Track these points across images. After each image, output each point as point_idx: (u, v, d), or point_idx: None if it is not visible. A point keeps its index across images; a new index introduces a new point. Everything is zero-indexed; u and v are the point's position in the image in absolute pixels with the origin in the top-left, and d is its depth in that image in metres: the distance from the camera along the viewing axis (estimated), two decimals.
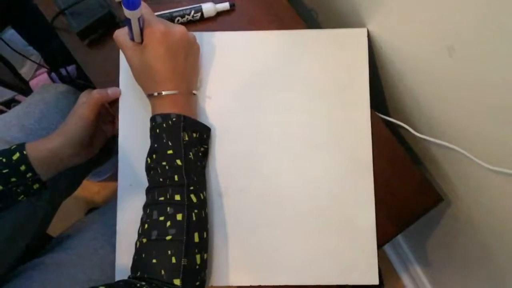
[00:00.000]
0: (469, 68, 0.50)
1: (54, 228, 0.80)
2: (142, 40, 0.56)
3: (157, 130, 0.56)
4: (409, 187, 0.65)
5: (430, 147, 0.70)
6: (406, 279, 1.20)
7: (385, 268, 1.23)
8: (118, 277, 0.62)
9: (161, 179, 0.54)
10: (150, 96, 0.58)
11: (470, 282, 0.82)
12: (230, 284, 0.61)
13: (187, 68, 0.60)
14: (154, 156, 0.55)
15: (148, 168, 0.56)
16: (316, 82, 0.65)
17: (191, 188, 0.54)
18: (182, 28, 0.58)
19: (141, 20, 0.54)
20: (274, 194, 0.63)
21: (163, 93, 0.57)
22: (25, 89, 1.05)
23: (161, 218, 0.52)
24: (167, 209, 0.52)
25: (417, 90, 0.64)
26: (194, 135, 0.58)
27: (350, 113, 0.64)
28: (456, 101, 0.56)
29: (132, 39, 0.57)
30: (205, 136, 0.60)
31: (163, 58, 0.56)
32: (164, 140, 0.55)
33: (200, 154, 0.59)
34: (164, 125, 0.56)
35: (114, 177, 1.27)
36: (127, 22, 0.53)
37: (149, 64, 0.56)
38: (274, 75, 0.65)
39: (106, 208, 0.78)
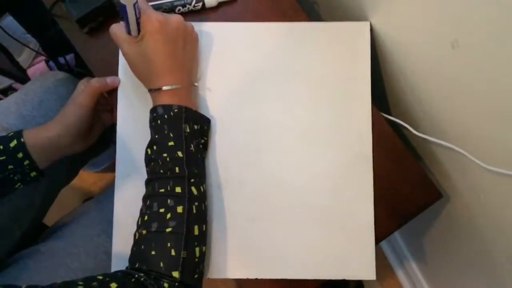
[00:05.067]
0: (472, 65, 0.49)
1: (50, 218, 0.80)
2: (139, 32, 0.55)
3: (158, 121, 0.55)
4: (408, 182, 0.65)
5: (430, 145, 0.70)
6: (401, 275, 1.21)
7: (380, 263, 1.23)
8: (114, 268, 0.61)
9: (161, 171, 0.53)
10: (150, 90, 0.58)
11: (466, 279, 0.83)
12: (228, 277, 0.60)
13: (186, 59, 0.59)
14: (154, 147, 0.55)
15: (148, 159, 0.56)
16: (317, 75, 0.65)
17: (192, 180, 0.54)
18: (178, 17, 0.57)
19: (137, 9, 0.52)
20: (273, 187, 0.63)
21: (164, 88, 0.56)
22: (23, 77, 1.04)
23: (161, 210, 0.52)
24: (167, 201, 0.52)
25: (419, 87, 0.63)
26: (196, 127, 0.57)
27: (351, 107, 0.64)
28: (457, 99, 0.56)
29: (129, 32, 0.56)
30: (205, 127, 0.60)
31: (161, 49, 0.55)
32: (165, 132, 0.55)
33: (201, 146, 0.59)
34: (166, 116, 0.55)
35: (111, 168, 1.26)
36: (123, 12, 0.52)
37: (147, 56, 0.55)
38: (274, 67, 0.65)
39: (102, 196, 0.78)
